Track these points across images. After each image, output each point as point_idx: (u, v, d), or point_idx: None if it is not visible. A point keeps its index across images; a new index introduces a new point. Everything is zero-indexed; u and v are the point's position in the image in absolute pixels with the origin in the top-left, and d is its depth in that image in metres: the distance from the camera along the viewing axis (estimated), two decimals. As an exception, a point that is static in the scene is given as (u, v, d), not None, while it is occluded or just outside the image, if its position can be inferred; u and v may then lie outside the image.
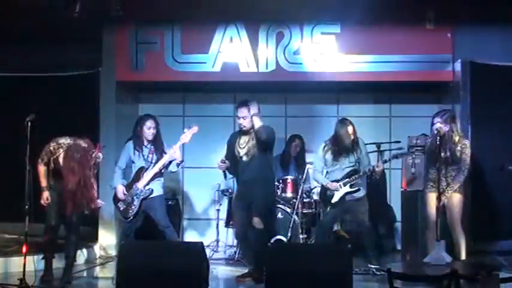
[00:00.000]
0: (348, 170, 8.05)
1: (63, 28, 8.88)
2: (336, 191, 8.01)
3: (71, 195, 7.00)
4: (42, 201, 7.32)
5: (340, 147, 8.07)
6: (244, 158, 7.58)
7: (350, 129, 8.07)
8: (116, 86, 9.53)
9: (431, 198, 7.37)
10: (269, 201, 7.74)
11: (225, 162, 7.61)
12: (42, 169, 7.30)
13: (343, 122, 8.16)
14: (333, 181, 8.07)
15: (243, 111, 7.55)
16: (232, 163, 7.66)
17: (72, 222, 7.34)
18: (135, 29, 9.53)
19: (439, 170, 7.21)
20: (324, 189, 8.24)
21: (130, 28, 9.53)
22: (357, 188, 8.03)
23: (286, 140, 9.85)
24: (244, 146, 7.61)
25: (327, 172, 8.22)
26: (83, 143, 7.20)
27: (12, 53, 9.52)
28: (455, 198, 7.44)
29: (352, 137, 8.07)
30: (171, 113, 10.01)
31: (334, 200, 8.06)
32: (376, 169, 8.00)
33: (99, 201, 7.46)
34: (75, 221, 7.35)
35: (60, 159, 7.19)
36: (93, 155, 7.24)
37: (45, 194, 7.34)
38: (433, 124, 7.37)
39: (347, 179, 8.02)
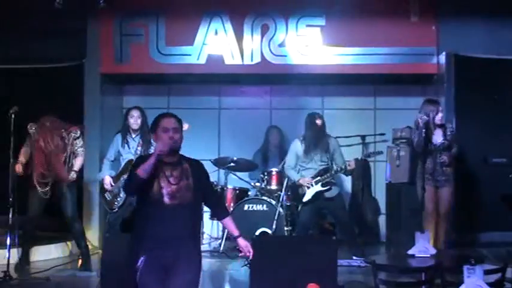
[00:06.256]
0: (320, 168, 8.08)
1: (47, 20, 8.86)
2: (308, 188, 8.03)
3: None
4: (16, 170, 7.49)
5: (310, 142, 8.10)
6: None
7: (319, 122, 8.10)
8: (100, 78, 9.48)
9: (430, 190, 7.49)
10: None
11: None
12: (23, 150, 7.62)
13: (311, 116, 8.23)
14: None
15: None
16: None
17: (70, 213, 7.69)
18: (120, 21, 9.48)
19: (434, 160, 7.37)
20: (296, 187, 8.26)
21: (115, 20, 9.48)
22: (328, 187, 8.05)
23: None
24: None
25: (300, 170, 8.24)
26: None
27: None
28: (447, 190, 7.52)
29: (320, 131, 8.12)
30: (155, 105, 9.89)
31: (306, 198, 8.09)
32: (348, 168, 8.03)
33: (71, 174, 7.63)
34: (73, 212, 7.71)
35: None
36: (69, 129, 7.62)
37: (19, 167, 7.50)
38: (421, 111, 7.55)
39: (318, 177, 8.04)
